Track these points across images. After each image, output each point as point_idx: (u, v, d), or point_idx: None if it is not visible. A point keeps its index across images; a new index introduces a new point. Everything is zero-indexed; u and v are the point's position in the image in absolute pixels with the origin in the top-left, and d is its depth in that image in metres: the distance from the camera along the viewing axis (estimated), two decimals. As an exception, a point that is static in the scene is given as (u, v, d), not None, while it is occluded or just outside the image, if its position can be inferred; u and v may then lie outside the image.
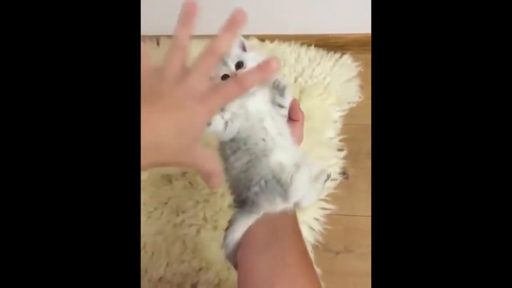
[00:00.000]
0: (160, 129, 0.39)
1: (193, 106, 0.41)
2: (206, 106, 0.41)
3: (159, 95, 0.40)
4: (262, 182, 0.55)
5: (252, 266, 0.56)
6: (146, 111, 0.39)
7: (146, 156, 0.39)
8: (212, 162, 0.46)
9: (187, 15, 0.45)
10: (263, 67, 0.42)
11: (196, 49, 1.23)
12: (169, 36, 1.17)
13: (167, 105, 0.40)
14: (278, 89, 0.60)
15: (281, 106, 0.61)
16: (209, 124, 0.56)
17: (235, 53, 0.58)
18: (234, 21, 0.43)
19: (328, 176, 0.64)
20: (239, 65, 0.57)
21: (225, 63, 0.58)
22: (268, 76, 0.43)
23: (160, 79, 0.42)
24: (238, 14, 0.43)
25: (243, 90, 0.42)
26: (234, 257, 0.58)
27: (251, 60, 0.58)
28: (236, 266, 0.58)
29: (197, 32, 1.25)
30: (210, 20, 1.16)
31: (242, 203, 0.58)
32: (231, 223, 0.59)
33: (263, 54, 0.63)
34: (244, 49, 0.60)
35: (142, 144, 0.38)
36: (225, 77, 0.58)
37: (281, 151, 0.57)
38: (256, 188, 0.55)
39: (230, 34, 0.44)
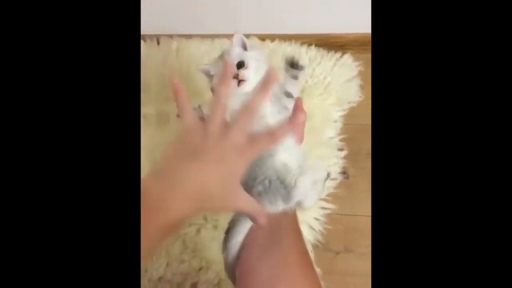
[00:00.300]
0: (207, 181, 0.44)
1: (234, 159, 0.45)
2: (245, 158, 0.47)
3: (205, 150, 0.45)
4: (266, 182, 0.55)
5: (252, 267, 0.56)
6: (194, 166, 0.44)
7: (195, 204, 0.44)
8: (255, 204, 0.51)
9: (227, 75, 0.50)
10: (293, 121, 0.51)
11: (196, 48, 1.21)
12: (169, 36, 1.17)
13: (212, 159, 0.45)
14: (294, 68, 0.61)
15: (289, 96, 0.60)
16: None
17: (236, 52, 0.58)
18: (267, 80, 0.48)
19: (328, 175, 0.64)
20: (240, 64, 0.57)
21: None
22: (297, 130, 0.52)
23: (205, 134, 0.46)
24: (271, 73, 0.48)
25: (275, 141, 0.48)
26: (235, 265, 0.58)
27: (252, 59, 0.57)
28: (234, 280, 0.57)
29: (199, 32, 1.24)
30: (211, 20, 1.17)
31: None
32: (233, 225, 0.58)
33: (264, 53, 0.62)
34: (245, 47, 0.59)
35: (191, 195, 0.43)
36: None
37: (285, 151, 0.57)
38: (259, 188, 0.55)
39: (264, 92, 0.48)
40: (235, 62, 0.56)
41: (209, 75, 0.62)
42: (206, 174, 0.44)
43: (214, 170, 0.44)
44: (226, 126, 0.47)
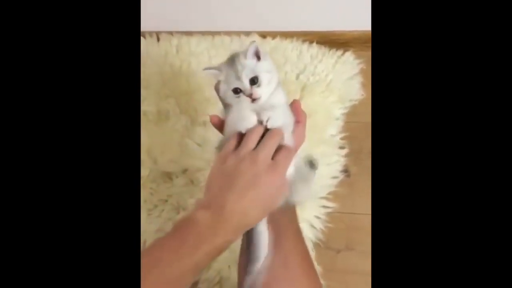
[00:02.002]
0: (247, 209, 0.50)
1: (265, 181, 0.51)
2: (275, 178, 0.52)
3: (240, 178, 0.50)
4: None
5: None
6: (234, 197, 0.49)
7: (239, 230, 0.51)
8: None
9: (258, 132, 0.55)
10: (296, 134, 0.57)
11: (197, 46, 1.21)
12: (170, 32, 1.17)
13: (247, 187, 0.50)
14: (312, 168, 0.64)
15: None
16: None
17: (249, 66, 0.56)
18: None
19: (313, 164, 0.63)
20: (254, 81, 0.55)
21: (238, 78, 0.55)
22: (298, 131, 0.58)
23: (238, 159, 0.52)
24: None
25: (293, 154, 0.56)
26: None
27: (265, 73, 0.56)
28: None
29: (199, 28, 1.23)
30: (212, 17, 1.16)
31: None
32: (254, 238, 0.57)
33: (274, 64, 0.59)
34: (258, 57, 0.57)
35: (235, 224, 0.49)
36: (236, 91, 0.56)
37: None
38: None
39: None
40: (249, 77, 0.55)
41: (216, 79, 0.60)
42: (245, 204, 0.49)
43: (251, 197, 0.50)
44: (256, 151, 0.52)
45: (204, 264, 0.48)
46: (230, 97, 0.57)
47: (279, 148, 0.54)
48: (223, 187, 0.51)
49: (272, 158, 0.53)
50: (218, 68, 0.58)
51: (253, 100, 0.55)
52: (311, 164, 0.63)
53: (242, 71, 0.55)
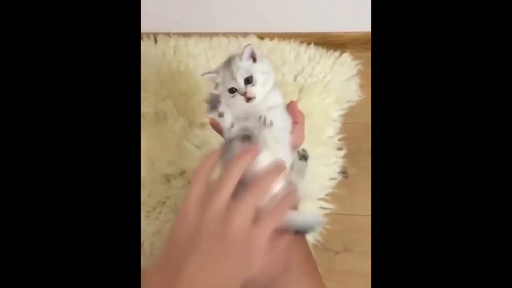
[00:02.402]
0: (209, 283, 0.38)
1: (238, 250, 0.39)
2: (251, 248, 0.40)
3: (205, 239, 0.39)
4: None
5: None
6: (194, 262, 0.38)
7: None
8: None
9: (248, 153, 0.46)
10: (288, 198, 0.46)
11: (194, 47, 1.21)
12: (167, 34, 1.17)
13: (213, 252, 0.39)
14: (303, 160, 0.63)
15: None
16: (221, 115, 0.57)
17: (244, 67, 0.57)
18: (277, 169, 0.46)
19: (300, 154, 0.63)
20: (248, 80, 0.57)
21: (233, 78, 0.57)
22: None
23: (204, 217, 0.40)
24: (279, 166, 0.47)
25: (283, 216, 0.44)
26: None
27: (260, 73, 0.57)
28: None
29: (197, 30, 1.23)
30: (209, 18, 1.16)
31: None
32: None
33: (271, 66, 0.61)
34: (254, 59, 0.58)
35: None
36: (232, 90, 0.57)
37: (264, 150, 0.57)
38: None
39: (273, 176, 0.45)
40: (244, 77, 0.56)
41: (215, 82, 0.62)
42: (207, 273, 0.38)
43: (216, 267, 0.39)
44: (229, 208, 0.41)
45: None
46: (227, 97, 0.58)
47: (271, 208, 0.43)
48: (183, 248, 0.40)
49: (257, 220, 0.42)
50: (215, 71, 0.59)
51: (248, 99, 0.56)
52: (303, 157, 0.63)
53: (237, 71, 0.56)
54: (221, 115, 0.56)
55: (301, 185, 0.61)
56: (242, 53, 0.57)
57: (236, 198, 0.42)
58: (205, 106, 0.58)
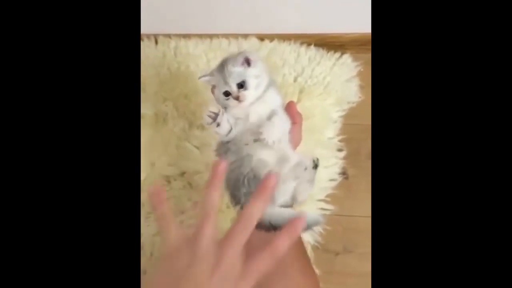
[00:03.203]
0: None
1: None
2: (247, 285, 0.39)
3: (193, 282, 0.37)
4: (246, 181, 0.56)
5: None
6: None
7: None
8: None
9: (215, 180, 0.42)
10: (291, 229, 0.41)
11: (195, 48, 1.21)
12: (167, 35, 1.17)
13: None
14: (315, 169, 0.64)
15: None
16: (218, 125, 0.58)
17: (237, 72, 0.59)
18: (266, 187, 0.41)
19: (314, 162, 0.64)
20: (241, 85, 0.59)
21: (226, 83, 0.59)
22: (296, 237, 0.41)
23: (192, 260, 0.38)
24: (270, 179, 0.41)
25: (277, 256, 0.40)
26: None
27: (252, 78, 0.59)
28: None
29: (197, 31, 1.23)
30: (210, 20, 1.16)
31: (237, 203, 0.58)
32: None
33: (266, 68, 0.62)
34: (248, 63, 0.60)
35: None
36: (226, 93, 0.59)
37: (262, 148, 0.58)
38: (243, 189, 0.56)
39: (262, 202, 0.41)
40: (236, 82, 0.59)
41: (211, 84, 0.64)
42: None
43: None
44: (217, 247, 0.39)
45: None
46: (222, 99, 0.61)
47: (256, 253, 0.40)
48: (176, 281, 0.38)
49: (249, 260, 0.40)
50: (211, 74, 0.62)
51: (240, 102, 0.59)
52: (314, 165, 0.64)
53: (230, 76, 0.59)
54: (218, 125, 0.58)
55: (310, 191, 0.64)
56: (235, 59, 0.59)
57: (226, 234, 0.40)
58: (205, 118, 0.59)
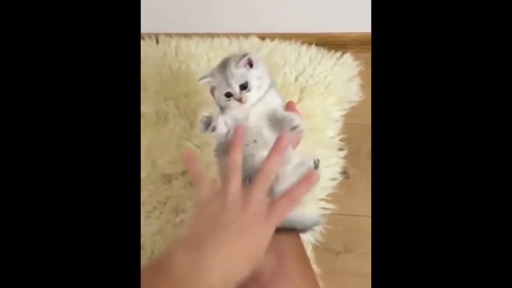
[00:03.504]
0: (233, 258, 0.43)
1: (256, 230, 0.45)
2: (268, 227, 0.45)
3: (226, 223, 0.44)
4: (247, 181, 0.56)
5: None
6: (218, 241, 0.43)
7: (223, 281, 0.42)
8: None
9: (238, 141, 0.50)
10: (307, 180, 0.48)
11: (196, 47, 1.21)
12: (169, 35, 1.17)
13: (235, 233, 0.44)
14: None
15: None
16: (214, 129, 0.58)
17: (239, 73, 0.59)
18: (280, 145, 0.48)
19: (315, 163, 0.64)
20: (244, 86, 0.58)
21: (229, 84, 0.59)
22: (312, 187, 0.48)
23: (223, 206, 0.45)
24: (282, 139, 0.48)
25: (295, 204, 0.47)
26: None
27: (255, 79, 0.59)
28: None
29: (198, 30, 1.23)
30: (211, 19, 1.16)
31: None
32: None
33: (267, 69, 0.62)
34: (250, 64, 0.60)
35: (218, 276, 0.42)
36: (227, 95, 0.59)
37: (268, 149, 0.58)
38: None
39: (278, 156, 0.48)
40: (239, 83, 0.58)
41: (210, 85, 0.64)
42: (230, 250, 0.43)
43: (238, 245, 0.44)
44: (244, 194, 0.46)
45: None
46: (223, 100, 0.60)
47: (277, 199, 0.47)
48: (207, 234, 0.44)
49: (271, 205, 0.46)
50: (211, 75, 0.61)
51: (242, 103, 0.59)
52: (315, 165, 0.65)
53: (232, 78, 0.58)
54: (213, 129, 0.58)
55: (312, 190, 0.63)
56: (238, 60, 0.59)
57: (250, 184, 0.47)
58: (199, 125, 0.59)
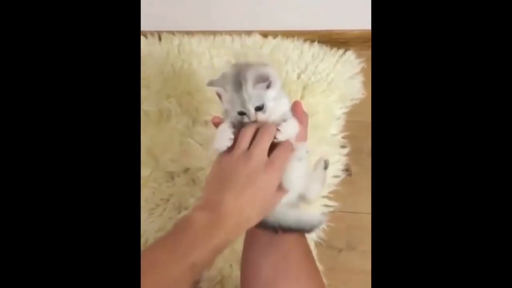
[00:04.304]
0: (245, 207, 0.51)
1: (262, 178, 0.51)
2: (272, 173, 0.52)
3: (236, 177, 0.51)
4: None
5: (255, 266, 0.56)
6: (231, 195, 0.51)
7: (238, 229, 0.51)
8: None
9: (267, 136, 0.55)
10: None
11: (198, 45, 1.21)
12: (171, 32, 1.17)
13: (244, 184, 0.51)
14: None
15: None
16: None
17: (256, 95, 0.55)
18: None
19: (326, 163, 0.64)
20: (259, 108, 0.55)
21: (244, 106, 0.55)
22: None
23: (232, 160, 0.53)
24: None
25: (289, 150, 0.55)
26: None
27: (272, 101, 0.56)
28: None
29: (201, 28, 1.24)
30: (213, 17, 1.16)
31: None
32: None
33: (281, 85, 0.59)
34: (268, 86, 0.55)
35: (234, 224, 0.50)
36: (241, 113, 0.56)
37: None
38: None
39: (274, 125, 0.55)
40: (255, 105, 0.55)
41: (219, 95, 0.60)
42: (242, 203, 0.50)
43: (248, 196, 0.51)
44: (249, 152, 0.53)
45: (202, 264, 0.48)
46: (235, 117, 0.57)
47: (275, 144, 0.54)
48: (220, 188, 0.51)
49: (269, 155, 0.53)
50: (222, 86, 0.56)
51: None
52: (325, 165, 0.65)
53: (249, 101, 0.54)
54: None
55: (321, 190, 0.64)
56: (256, 78, 0.54)
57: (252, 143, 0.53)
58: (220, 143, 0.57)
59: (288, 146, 0.55)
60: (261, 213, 0.53)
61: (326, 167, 0.65)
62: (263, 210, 0.53)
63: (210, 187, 0.54)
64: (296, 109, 0.60)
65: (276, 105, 0.57)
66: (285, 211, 0.58)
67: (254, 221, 0.53)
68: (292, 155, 0.56)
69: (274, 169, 0.53)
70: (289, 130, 0.56)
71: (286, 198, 0.58)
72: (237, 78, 0.55)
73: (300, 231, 0.60)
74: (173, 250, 0.47)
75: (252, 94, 0.54)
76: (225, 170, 0.53)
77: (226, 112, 0.59)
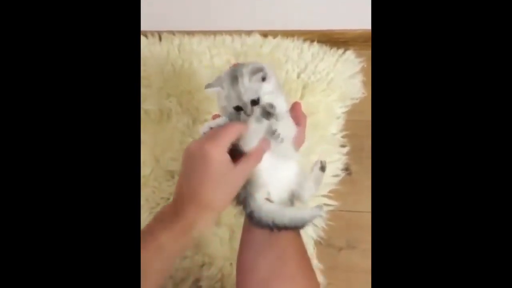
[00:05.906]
0: (196, 186, 0.53)
1: (209, 150, 0.51)
2: (215, 144, 0.52)
3: (189, 159, 0.54)
4: (248, 182, 0.56)
5: (251, 266, 0.57)
6: (181, 177, 0.55)
7: (199, 211, 0.53)
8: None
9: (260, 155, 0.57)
10: (257, 151, 0.57)
11: (198, 45, 1.21)
12: (171, 32, 1.17)
13: (196, 164, 0.53)
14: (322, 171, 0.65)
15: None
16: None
17: (252, 88, 0.55)
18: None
19: (322, 164, 0.64)
20: (255, 102, 0.56)
21: (240, 99, 0.56)
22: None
23: (190, 145, 0.54)
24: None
25: (256, 161, 0.57)
26: None
27: (268, 95, 0.56)
28: None
29: (201, 28, 1.23)
30: (213, 16, 1.16)
31: (239, 203, 0.59)
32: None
33: (277, 81, 0.60)
34: (263, 79, 0.56)
35: (186, 203, 0.53)
36: (237, 108, 0.56)
37: (270, 153, 0.58)
38: (244, 191, 0.57)
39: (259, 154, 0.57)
40: (251, 99, 0.55)
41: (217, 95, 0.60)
42: (194, 182, 0.52)
43: (198, 174, 0.52)
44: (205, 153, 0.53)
45: (170, 249, 0.51)
46: (231, 113, 0.58)
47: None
48: (180, 175, 0.55)
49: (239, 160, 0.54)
50: (219, 85, 0.57)
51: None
52: (322, 168, 0.65)
53: (245, 93, 0.55)
54: None
55: (315, 191, 0.64)
56: (251, 72, 0.55)
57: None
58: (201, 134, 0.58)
59: (253, 158, 0.56)
60: (223, 191, 0.54)
61: (323, 169, 0.65)
62: (221, 186, 0.53)
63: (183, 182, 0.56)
64: (295, 110, 0.60)
65: (272, 99, 0.57)
66: (279, 210, 0.58)
67: (217, 200, 0.54)
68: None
69: (216, 142, 0.52)
70: (285, 131, 0.56)
71: (277, 197, 0.58)
72: (233, 74, 0.56)
73: (295, 228, 0.60)
74: (143, 233, 0.51)
75: (248, 86, 0.55)
76: (183, 157, 0.55)
77: (223, 110, 0.60)
